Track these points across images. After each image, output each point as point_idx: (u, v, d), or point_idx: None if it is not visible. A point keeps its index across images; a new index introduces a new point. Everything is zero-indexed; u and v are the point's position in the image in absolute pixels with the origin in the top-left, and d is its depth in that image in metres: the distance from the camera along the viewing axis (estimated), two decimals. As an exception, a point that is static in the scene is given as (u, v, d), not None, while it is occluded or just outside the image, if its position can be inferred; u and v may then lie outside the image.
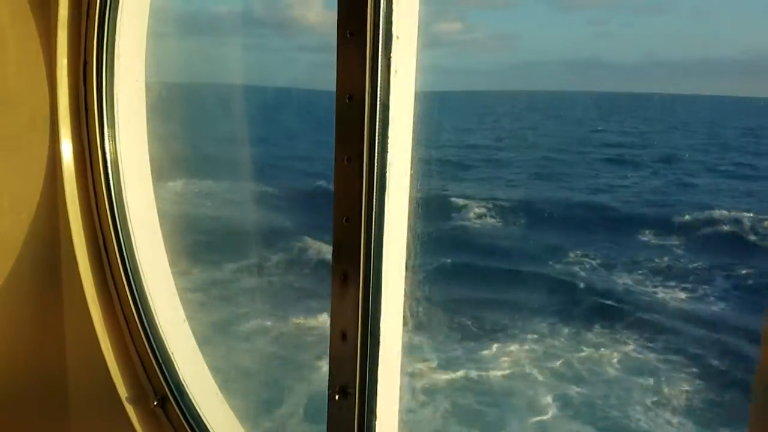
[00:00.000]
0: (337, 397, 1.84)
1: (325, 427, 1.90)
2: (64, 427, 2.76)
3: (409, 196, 1.87)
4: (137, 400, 2.50)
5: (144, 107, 2.75)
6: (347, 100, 1.76)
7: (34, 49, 2.55)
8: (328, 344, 1.86)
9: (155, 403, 2.47)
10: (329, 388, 1.86)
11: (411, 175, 1.86)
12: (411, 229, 1.88)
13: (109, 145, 2.61)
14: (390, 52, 1.74)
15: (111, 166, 2.62)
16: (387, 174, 1.77)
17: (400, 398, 1.96)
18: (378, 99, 1.74)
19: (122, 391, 2.51)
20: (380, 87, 1.74)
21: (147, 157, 2.77)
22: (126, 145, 2.65)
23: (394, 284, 1.85)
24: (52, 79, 2.57)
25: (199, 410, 2.44)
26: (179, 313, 2.68)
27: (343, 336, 1.83)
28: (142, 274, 2.61)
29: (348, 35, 1.74)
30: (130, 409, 2.49)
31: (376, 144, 1.75)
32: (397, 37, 1.75)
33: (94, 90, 2.57)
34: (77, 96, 2.61)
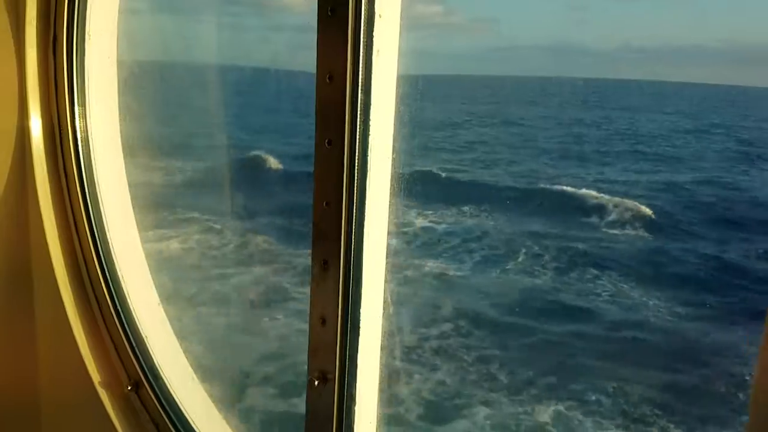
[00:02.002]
0: (316, 382, 1.81)
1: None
2: (35, 412, 2.69)
3: (391, 181, 1.83)
4: (110, 385, 2.45)
5: (116, 84, 2.67)
6: (328, 81, 1.71)
7: (0, 22, 2.45)
8: (308, 330, 1.83)
9: (128, 388, 2.42)
10: (308, 373, 1.83)
11: (393, 159, 1.83)
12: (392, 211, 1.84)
13: (80, 122, 2.54)
14: (372, 30, 1.69)
15: (81, 144, 2.55)
16: (369, 158, 1.73)
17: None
18: (360, 80, 1.69)
19: (95, 376, 2.46)
20: (362, 67, 1.69)
21: (118, 135, 2.70)
22: (97, 122, 2.57)
23: (375, 269, 1.82)
24: (20, 55, 2.47)
25: (174, 395, 2.39)
26: (153, 296, 2.63)
27: (323, 321, 1.80)
28: (114, 256, 2.55)
29: (329, 12, 1.69)
30: (103, 394, 2.43)
31: (358, 126, 1.71)
32: (380, 16, 1.70)
33: (64, 65, 2.48)
34: (47, 72, 2.52)
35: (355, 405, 1.82)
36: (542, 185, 31.17)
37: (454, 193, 28.55)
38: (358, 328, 1.80)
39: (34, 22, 2.46)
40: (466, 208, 26.87)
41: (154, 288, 2.65)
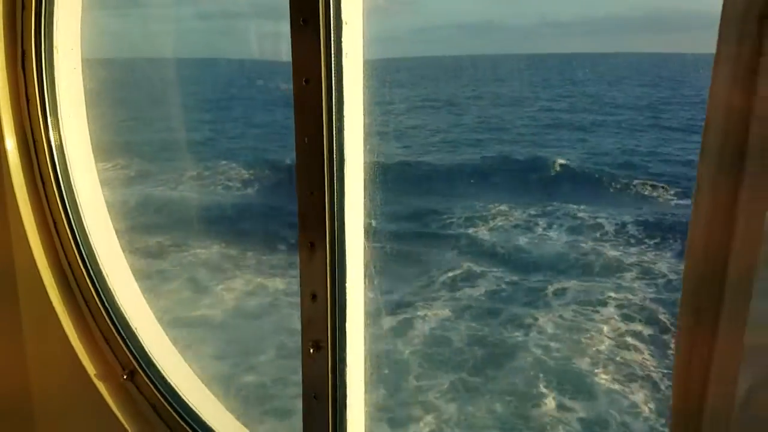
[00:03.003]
0: (311, 350, 2.04)
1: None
2: (29, 414, 2.82)
3: (364, 168, 2.07)
4: (106, 376, 2.62)
5: (82, 93, 2.80)
6: (304, 84, 1.93)
7: None
8: (300, 305, 2.06)
9: (124, 377, 2.59)
10: (303, 343, 2.06)
11: (364, 150, 2.06)
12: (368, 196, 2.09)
13: (54, 132, 2.66)
14: (341, 37, 1.91)
15: (56, 152, 2.67)
16: (345, 151, 1.97)
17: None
18: (333, 81, 1.92)
19: (90, 370, 2.61)
20: (334, 70, 1.92)
21: (89, 141, 2.83)
22: (69, 132, 2.70)
23: (356, 248, 2.06)
24: None
25: (168, 378, 2.58)
26: (136, 289, 2.79)
27: (313, 297, 2.03)
28: (96, 255, 2.70)
29: (301, 22, 1.90)
30: (100, 386, 2.59)
31: (334, 123, 1.93)
32: (346, 23, 1.92)
33: (34, 80, 2.60)
34: (17, 86, 2.63)
35: (346, 367, 2.06)
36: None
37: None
38: (345, 300, 2.04)
39: (2, 41, 2.56)
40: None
41: (135, 281, 2.81)
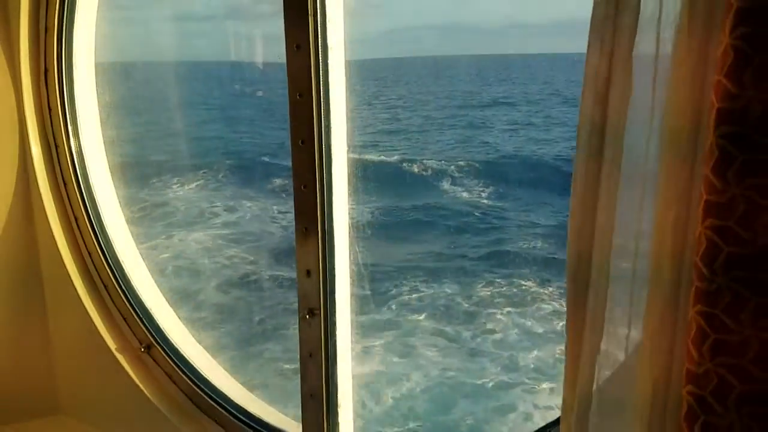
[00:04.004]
0: (306, 317, 2.47)
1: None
2: (56, 384, 3.21)
3: (348, 166, 2.50)
4: (125, 350, 3.02)
5: (96, 104, 3.19)
6: (298, 97, 2.35)
7: None
8: (296, 280, 2.49)
9: (142, 350, 3.00)
10: (299, 311, 2.49)
11: (347, 151, 2.49)
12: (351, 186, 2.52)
13: (74, 140, 3.06)
14: (327, 59, 2.34)
15: (77, 157, 3.07)
16: (331, 151, 2.40)
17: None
18: (321, 95, 2.35)
19: (111, 345, 3.01)
20: (322, 85, 2.35)
21: (103, 147, 3.23)
22: (87, 139, 3.10)
23: (342, 233, 2.49)
24: (17, 86, 2.96)
25: (180, 350, 2.99)
26: (149, 273, 3.20)
27: (308, 273, 2.46)
28: (113, 244, 3.10)
29: (295, 48, 2.32)
30: (120, 358, 2.99)
31: (323, 129, 2.36)
32: (331, 48, 2.36)
33: (56, 93, 2.99)
34: (40, 99, 3.01)
35: (336, 330, 2.50)
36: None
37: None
38: (334, 276, 2.47)
39: (28, 60, 2.95)
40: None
41: (148, 271, 3.21)
